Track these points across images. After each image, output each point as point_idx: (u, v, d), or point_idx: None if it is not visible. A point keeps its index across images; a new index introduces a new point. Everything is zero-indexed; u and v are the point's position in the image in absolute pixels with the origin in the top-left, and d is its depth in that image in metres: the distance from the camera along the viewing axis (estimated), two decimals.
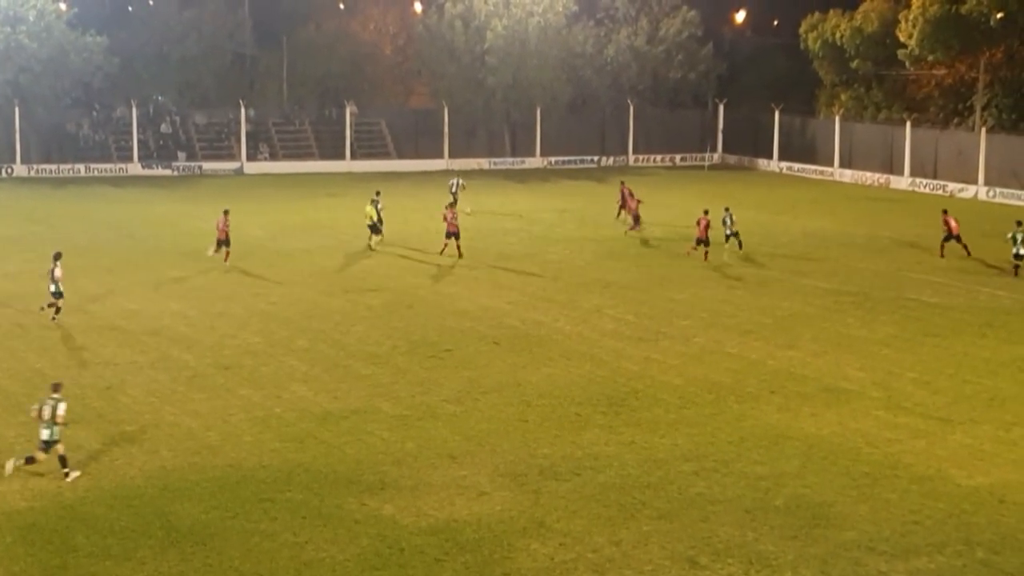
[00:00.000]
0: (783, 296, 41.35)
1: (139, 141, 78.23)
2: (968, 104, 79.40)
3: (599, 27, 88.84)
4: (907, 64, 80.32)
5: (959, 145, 76.02)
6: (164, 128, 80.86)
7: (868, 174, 79.48)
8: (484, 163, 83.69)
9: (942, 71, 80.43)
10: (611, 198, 60.64)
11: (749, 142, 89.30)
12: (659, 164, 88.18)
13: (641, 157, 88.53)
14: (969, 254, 48.24)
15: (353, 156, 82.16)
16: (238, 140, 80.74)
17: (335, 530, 21.11)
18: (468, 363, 32.26)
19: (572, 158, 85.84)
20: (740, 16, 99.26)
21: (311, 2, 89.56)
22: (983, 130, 74.57)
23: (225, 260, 45.17)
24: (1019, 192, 70.40)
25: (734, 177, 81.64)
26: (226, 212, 46.23)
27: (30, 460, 23.39)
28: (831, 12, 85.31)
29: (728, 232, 48.89)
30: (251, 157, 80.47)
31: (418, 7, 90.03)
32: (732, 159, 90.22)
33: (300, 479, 23.56)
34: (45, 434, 23.34)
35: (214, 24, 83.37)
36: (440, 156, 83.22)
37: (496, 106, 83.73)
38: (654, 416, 27.78)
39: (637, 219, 54.54)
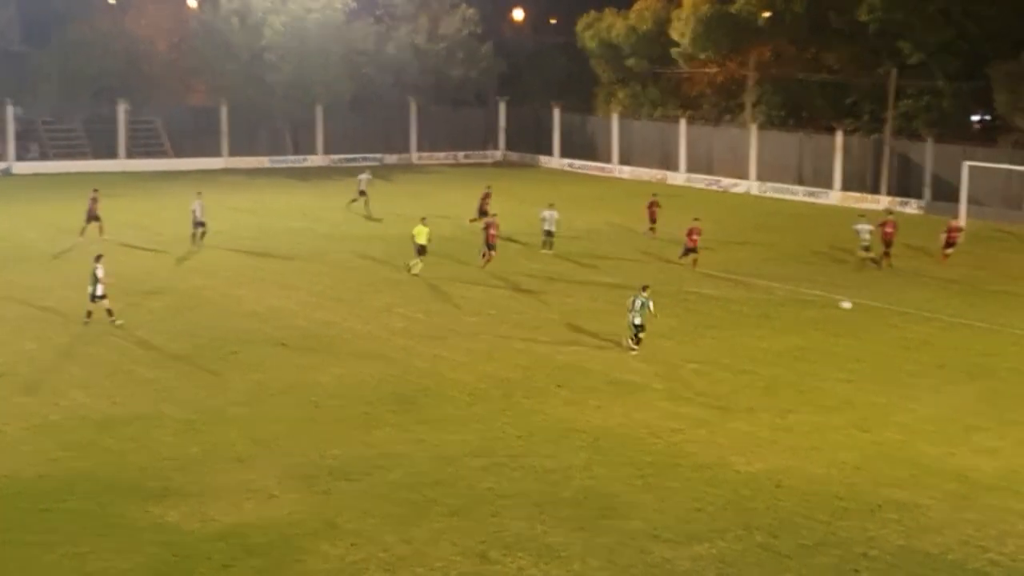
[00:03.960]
0: (569, 292, 41.99)
1: None
2: (739, 101, 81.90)
3: (379, 24, 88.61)
4: (681, 62, 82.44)
5: (732, 142, 78.40)
6: None
7: (646, 170, 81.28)
8: (265, 161, 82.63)
9: (714, 69, 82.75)
10: (393, 196, 60.56)
11: (531, 139, 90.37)
12: (443, 162, 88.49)
13: (425, 155, 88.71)
14: (879, 264, 47.41)
15: (128, 155, 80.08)
16: (4, 140, 77.82)
17: (119, 539, 20.57)
18: (255, 365, 31.82)
19: (356, 156, 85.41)
20: (519, 15, 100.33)
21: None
22: (754, 127, 77.05)
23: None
24: (790, 187, 73.01)
25: (517, 174, 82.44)
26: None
27: None
28: (606, 11, 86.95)
29: (547, 229, 49.27)
30: (20, 157, 77.66)
31: (192, 2, 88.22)
32: (515, 156, 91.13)
33: (82, 488, 22.88)
34: None
35: None
36: (219, 154, 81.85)
37: (277, 104, 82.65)
38: (444, 413, 27.89)
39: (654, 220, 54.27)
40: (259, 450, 25.21)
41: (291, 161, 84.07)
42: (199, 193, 51.54)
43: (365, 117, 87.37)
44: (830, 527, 21.46)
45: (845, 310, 38.83)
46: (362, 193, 60.52)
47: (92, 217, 50.76)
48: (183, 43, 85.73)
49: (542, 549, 20.36)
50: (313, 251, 49.50)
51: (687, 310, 39.27)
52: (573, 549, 20.40)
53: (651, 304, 33.51)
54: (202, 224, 50.02)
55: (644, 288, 34.07)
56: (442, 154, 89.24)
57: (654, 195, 56.63)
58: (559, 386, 30.23)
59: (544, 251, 49.15)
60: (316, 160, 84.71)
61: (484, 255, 46.00)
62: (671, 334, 35.86)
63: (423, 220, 45.53)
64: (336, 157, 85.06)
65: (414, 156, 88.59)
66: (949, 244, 48.25)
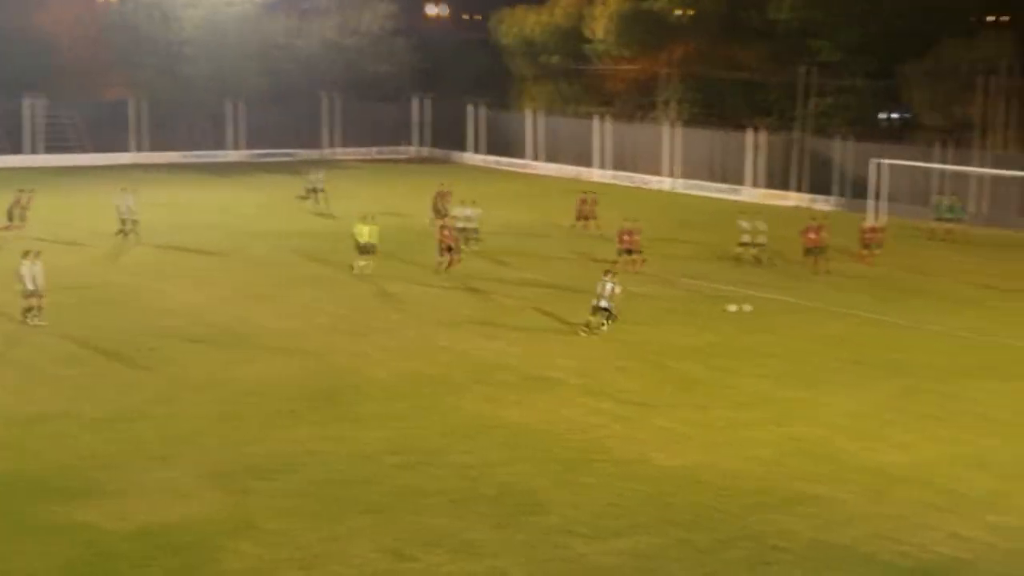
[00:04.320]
0: (489, 288, 42.05)
1: None
2: (657, 99, 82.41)
3: (295, 18, 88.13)
4: (597, 59, 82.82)
5: (649, 138, 78.85)
6: None
7: (564, 167, 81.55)
8: (182, 156, 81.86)
9: (631, 66, 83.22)
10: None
11: (449, 135, 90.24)
12: (361, 157, 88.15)
13: (342, 150, 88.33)
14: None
15: (40, 150, 78.85)
16: None
17: (35, 540, 20.31)
18: (173, 362, 31.56)
19: (273, 151, 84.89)
20: (436, 10, 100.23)
21: None
22: (671, 124, 77.61)
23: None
24: (708, 183, 73.62)
25: (436, 170, 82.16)
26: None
27: None
28: (523, 7, 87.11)
29: (465, 227, 49.10)
30: None
31: None
32: (433, 152, 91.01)
33: None
34: None
35: None
36: (135, 149, 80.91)
37: (193, 98, 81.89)
38: (364, 411, 27.84)
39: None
40: (178, 448, 25.02)
41: (208, 156, 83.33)
42: (124, 189, 50.92)
43: (282, 112, 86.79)
44: (745, 520, 21.71)
45: (733, 312, 38.49)
46: (315, 191, 59.93)
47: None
48: (100, 37, 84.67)
49: (460, 546, 20.41)
50: (231, 247, 49.14)
51: None
52: (492, 545, 20.47)
53: (617, 288, 34.92)
54: (133, 221, 49.35)
55: (606, 272, 35.79)
56: (359, 149, 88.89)
57: (584, 192, 56.90)
58: (478, 382, 30.29)
59: (464, 248, 49.01)
60: (233, 155, 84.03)
61: (442, 261, 43.81)
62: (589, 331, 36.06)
63: (364, 218, 44.92)
64: (253, 152, 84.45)
65: (330, 151, 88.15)
66: (867, 245, 48.54)
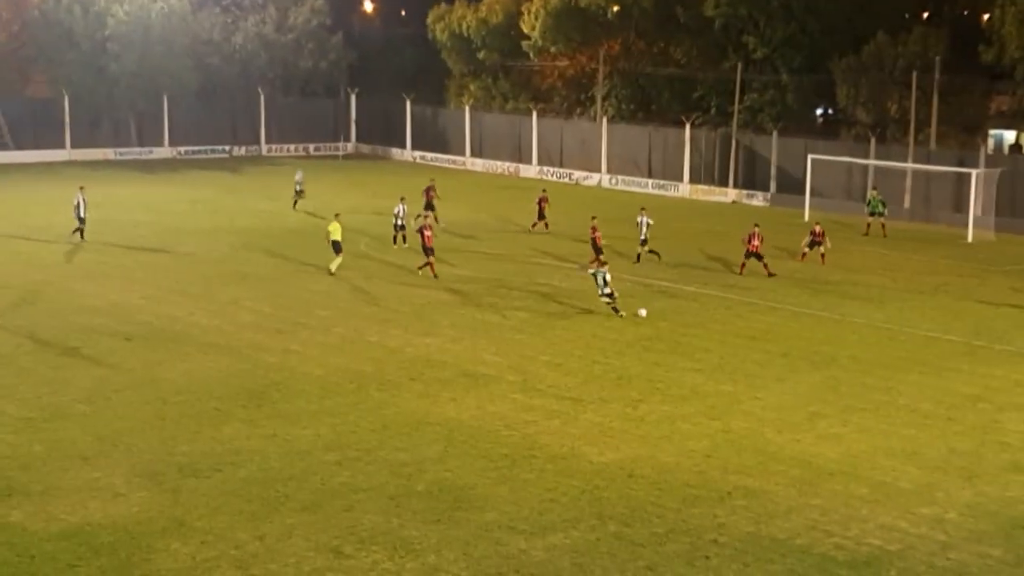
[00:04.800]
0: (420, 284, 41.88)
1: None
2: (590, 95, 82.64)
3: (226, 14, 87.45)
4: (531, 55, 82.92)
5: (583, 134, 79.10)
6: None
7: (498, 163, 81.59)
8: (110, 153, 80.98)
9: (565, 62, 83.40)
10: (246, 188, 59.82)
11: (383, 132, 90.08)
12: (293, 154, 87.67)
13: (275, 147, 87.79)
14: (770, 274, 44.87)
15: None
16: None
17: None
18: (99, 361, 31.11)
19: (203, 148, 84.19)
20: (368, 6, 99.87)
21: None
22: (604, 120, 77.82)
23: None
24: (638, 179, 73.91)
25: (369, 167, 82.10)
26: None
27: None
28: (457, 3, 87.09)
29: (398, 223, 48.80)
30: None
31: None
32: (366, 149, 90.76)
33: None
34: None
35: None
36: (62, 147, 79.89)
37: (121, 94, 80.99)
38: (295, 408, 27.59)
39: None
40: (104, 448, 24.64)
41: (136, 153, 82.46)
42: (82, 188, 50.08)
43: (213, 108, 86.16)
44: (681, 515, 21.74)
45: (643, 317, 38.01)
46: (299, 192, 59.17)
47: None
48: (22, 32, 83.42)
49: (397, 542, 20.25)
50: (158, 244, 48.61)
51: (539, 302, 39.46)
52: (428, 542, 20.33)
53: (608, 275, 37.27)
54: (82, 219, 48.54)
55: (599, 264, 37.96)
56: (292, 146, 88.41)
57: (544, 190, 56.81)
58: (412, 379, 30.13)
59: (395, 246, 48.80)
60: (162, 152, 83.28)
61: (425, 263, 42.73)
62: (522, 327, 36.02)
63: (337, 216, 44.40)
64: (183, 149, 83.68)
65: (264, 148, 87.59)
66: (813, 244, 48.37)
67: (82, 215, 48.51)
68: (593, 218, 47.10)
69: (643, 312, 37.64)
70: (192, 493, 22.29)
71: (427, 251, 42.84)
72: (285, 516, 21.29)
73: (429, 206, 53.86)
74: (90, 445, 24.77)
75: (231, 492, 22.37)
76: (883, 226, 55.77)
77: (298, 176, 60.48)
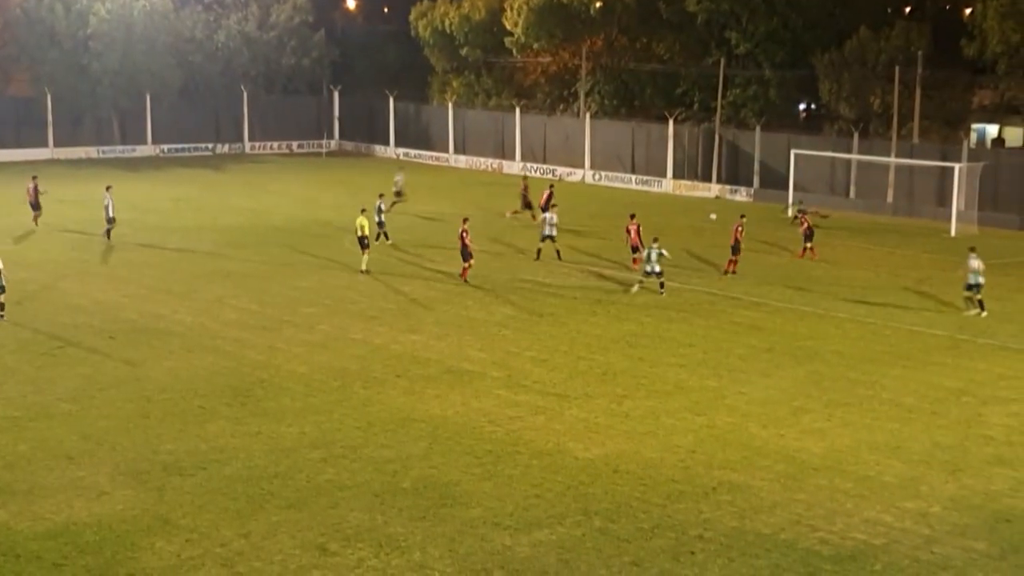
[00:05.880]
0: (404, 281, 41.87)
1: None
2: (572, 91, 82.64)
3: (208, 12, 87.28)
4: (514, 52, 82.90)
5: (566, 130, 79.10)
6: None
7: (481, 159, 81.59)
8: (92, 151, 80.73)
9: (547, 59, 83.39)
10: (229, 186, 59.68)
11: (366, 129, 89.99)
12: (276, 151, 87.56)
13: (258, 144, 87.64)
14: (727, 272, 44.67)
15: None
16: None
17: None
18: (83, 360, 31.04)
19: (186, 146, 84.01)
20: (351, 3, 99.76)
21: None
22: (587, 116, 77.84)
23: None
24: (622, 175, 73.96)
25: (352, 164, 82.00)
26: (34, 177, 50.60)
27: None
28: (439, 0, 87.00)
29: (379, 219, 48.55)
30: None
31: None
32: (349, 146, 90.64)
33: None
34: None
35: None
36: (44, 145, 79.67)
37: (103, 92, 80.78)
38: (280, 405, 27.57)
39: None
40: (89, 446, 24.60)
41: (119, 151, 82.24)
42: (108, 187, 49.84)
43: (195, 106, 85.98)
44: (666, 510, 21.79)
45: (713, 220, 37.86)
46: (399, 194, 57.97)
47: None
48: (4, 31, 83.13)
49: (382, 540, 20.27)
50: (142, 243, 48.51)
51: (523, 298, 39.48)
52: (414, 539, 20.35)
53: (665, 252, 39.64)
54: (112, 220, 48.42)
55: (654, 240, 39.89)
56: (275, 144, 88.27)
57: (525, 177, 57.08)
58: (397, 376, 30.14)
59: (377, 242, 48.67)
60: (145, 150, 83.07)
61: (466, 267, 41.87)
62: (507, 323, 36.05)
63: (363, 212, 44.10)
64: (166, 147, 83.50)
65: (247, 145, 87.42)
66: (808, 238, 48.37)
67: (111, 215, 48.33)
68: (632, 216, 45.97)
69: (713, 216, 38.72)
70: (177, 491, 22.28)
71: (465, 255, 41.88)
72: (270, 514, 21.29)
73: (527, 206, 54.82)
74: (75, 444, 24.73)
75: (216, 490, 22.36)
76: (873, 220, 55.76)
77: (398, 177, 59.04)
